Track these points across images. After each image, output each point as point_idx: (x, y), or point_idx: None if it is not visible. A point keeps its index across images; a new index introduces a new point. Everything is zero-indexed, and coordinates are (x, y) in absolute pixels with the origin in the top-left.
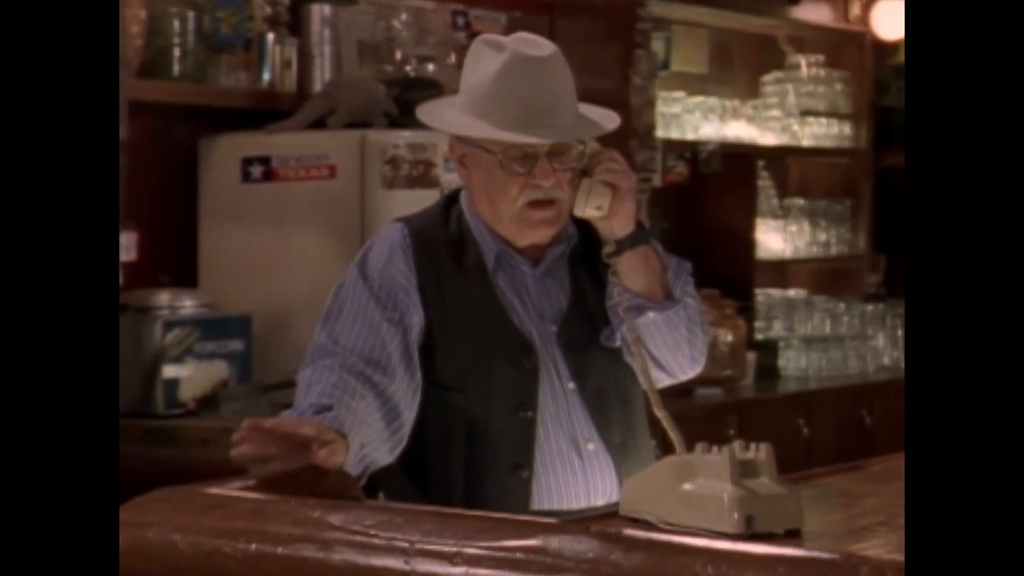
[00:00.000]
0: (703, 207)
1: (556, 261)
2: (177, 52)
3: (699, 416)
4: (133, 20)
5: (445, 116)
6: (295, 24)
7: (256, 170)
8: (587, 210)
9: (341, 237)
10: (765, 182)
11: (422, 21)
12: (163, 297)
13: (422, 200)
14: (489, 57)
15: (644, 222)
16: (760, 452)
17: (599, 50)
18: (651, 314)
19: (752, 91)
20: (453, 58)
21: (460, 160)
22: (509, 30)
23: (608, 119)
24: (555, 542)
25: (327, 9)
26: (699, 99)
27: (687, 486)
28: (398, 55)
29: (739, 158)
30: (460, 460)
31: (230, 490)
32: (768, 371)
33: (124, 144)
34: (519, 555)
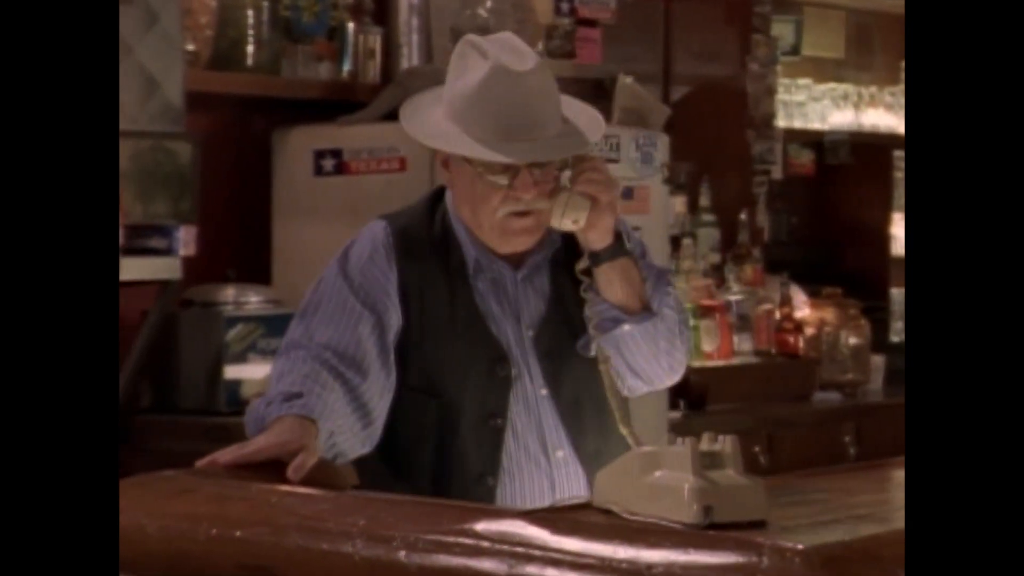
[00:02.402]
0: (833, 200)
1: (538, 266)
2: (251, 43)
3: (813, 421)
4: (202, 11)
5: (427, 121)
6: (380, 12)
7: (328, 163)
8: (563, 222)
9: None
10: (904, 173)
11: (522, 7)
12: (228, 293)
13: None
14: (473, 63)
15: (624, 233)
16: (726, 444)
17: (715, 36)
18: (627, 326)
19: (893, 77)
20: (541, 45)
21: (444, 163)
22: (619, 16)
23: (595, 128)
24: (484, 525)
25: None
26: (828, 86)
27: (651, 477)
28: None
29: (874, 148)
30: (428, 465)
31: (197, 477)
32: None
33: (196, 138)
34: (450, 538)
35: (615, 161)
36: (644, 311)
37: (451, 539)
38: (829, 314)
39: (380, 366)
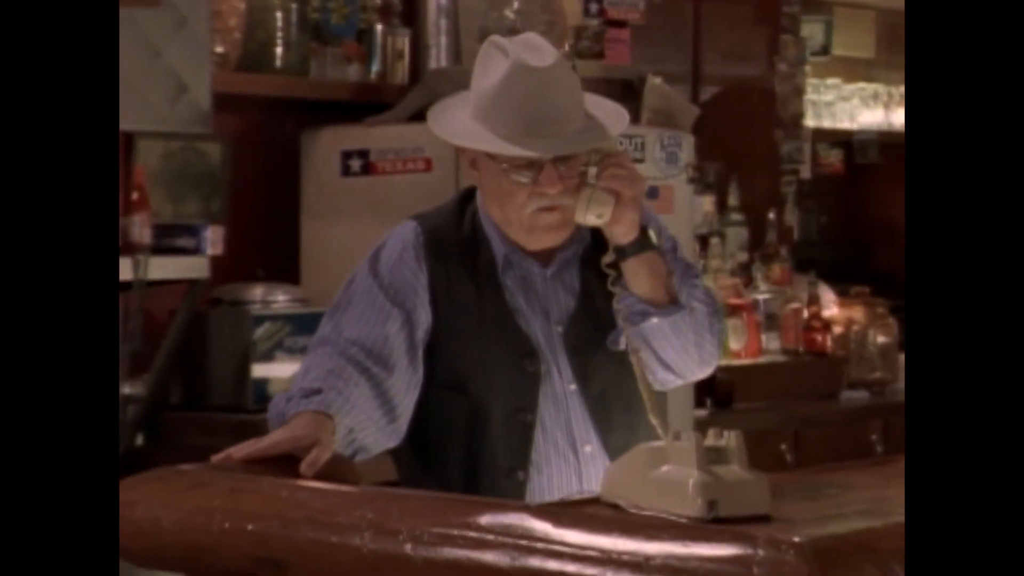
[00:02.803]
0: (862, 200)
1: (567, 262)
2: (280, 45)
3: (841, 420)
4: (231, 14)
5: (453, 121)
6: (409, 14)
7: (355, 163)
8: (588, 217)
9: None
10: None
11: (549, 8)
12: (256, 292)
13: None
14: (495, 61)
15: (651, 228)
16: (730, 440)
17: (745, 36)
18: (655, 319)
19: None
20: (567, 47)
21: (472, 163)
22: (648, 17)
23: (616, 120)
24: (488, 519)
25: None
26: (858, 86)
27: (657, 472)
28: None
29: (904, 148)
30: (458, 460)
31: (212, 471)
32: None
33: (226, 139)
34: (455, 531)
35: (640, 161)
36: (672, 304)
37: (455, 532)
38: (857, 313)
39: (407, 363)
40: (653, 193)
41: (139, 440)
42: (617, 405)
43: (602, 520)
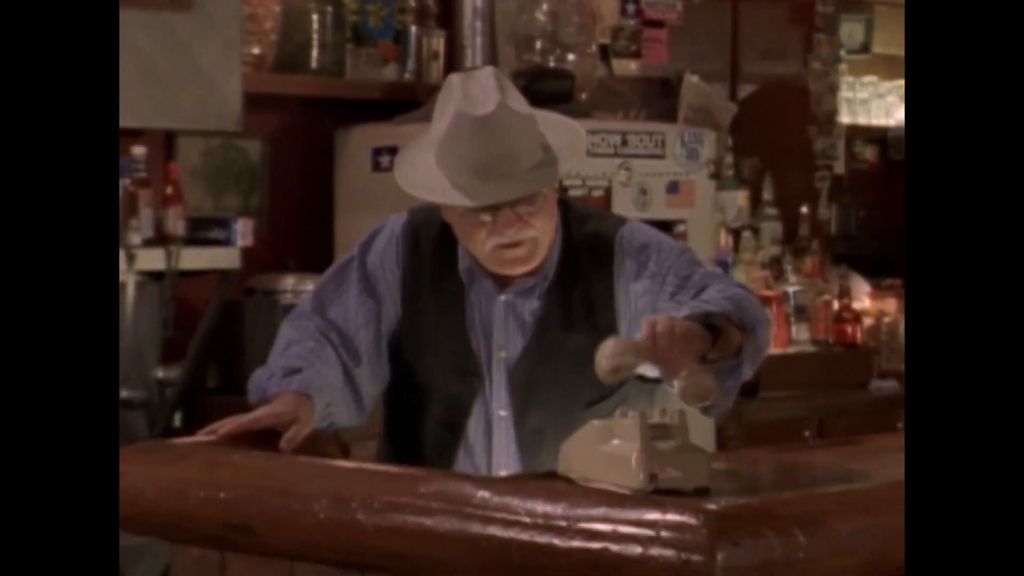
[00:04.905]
0: (899, 195)
1: (525, 292)
2: (315, 46)
3: (867, 409)
4: (267, 16)
5: (415, 169)
6: (445, 16)
7: (385, 160)
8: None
9: None
10: None
11: (581, 9)
12: (287, 281)
13: None
14: (448, 104)
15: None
16: (674, 417)
17: (780, 35)
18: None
19: None
20: (594, 47)
21: None
22: (686, 17)
23: (571, 149)
24: (434, 488)
25: (479, 1)
26: (895, 83)
27: (605, 447)
28: (538, 45)
29: None
30: (405, 453)
31: (193, 444)
32: None
33: (265, 136)
34: (403, 499)
35: (661, 157)
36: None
37: (403, 500)
38: (889, 304)
39: (376, 355)
40: (673, 188)
41: (177, 422)
42: (551, 440)
43: (533, 488)
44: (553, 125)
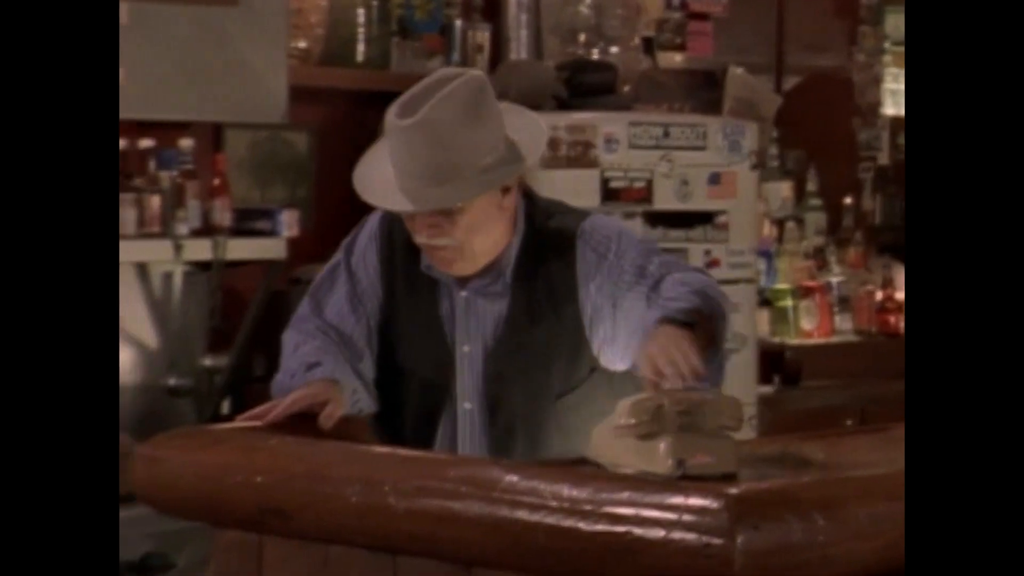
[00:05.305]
0: None
1: (484, 287)
2: (361, 40)
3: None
4: (313, 11)
5: (372, 168)
6: (491, 9)
7: None
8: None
9: None
10: None
11: (625, 2)
12: None
13: (581, 180)
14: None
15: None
16: (703, 406)
17: (825, 27)
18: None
19: None
20: (638, 40)
21: None
22: (731, 10)
23: (534, 147)
24: (462, 472)
25: None
26: None
27: None
28: (582, 38)
29: None
30: (385, 442)
31: (230, 429)
32: None
33: (312, 128)
34: (432, 484)
35: (702, 149)
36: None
37: (434, 484)
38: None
39: (370, 350)
40: (715, 179)
41: (225, 409)
42: (522, 436)
43: (560, 474)
44: (516, 121)
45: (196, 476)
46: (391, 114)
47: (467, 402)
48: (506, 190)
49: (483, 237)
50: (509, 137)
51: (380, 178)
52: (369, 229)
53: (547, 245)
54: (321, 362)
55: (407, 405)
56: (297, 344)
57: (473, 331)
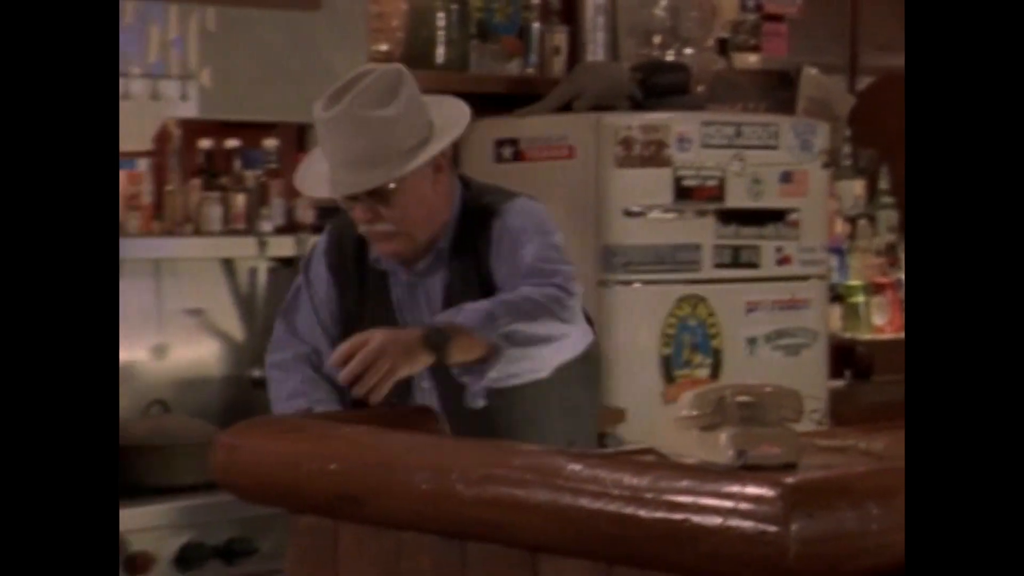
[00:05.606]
0: None
1: (427, 268)
2: (441, 42)
3: None
4: (394, 14)
5: (310, 166)
6: (569, 12)
7: (507, 151)
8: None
9: (579, 213)
10: None
11: (699, 4)
12: None
13: (653, 178)
14: None
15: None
16: (764, 398)
17: (899, 28)
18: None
19: None
20: (713, 41)
21: None
22: (806, 11)
23: (444, 131)
24: (527, 461)
25: None
26: None
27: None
28: (657, 39)
29: None
30: None
31: (305, 418)
32: None
33: None
34: (499, 471)
35: (774, 148)
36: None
37: (500, 472)
38: None
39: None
40: (786, 178)
41: None
42: (477, 414)
43: (622, 463)
44: (441, 113)
45: (273, 463)
46: (318, 108)
47: (424, 381)
48: (437, 169)
49: (420, 217)
50: (432, 121)
51: (315, 172)
52: (320, 246)
53: (475, 222)
54: (311, 408)
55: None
56: (292, 393)
57: (419, 312)
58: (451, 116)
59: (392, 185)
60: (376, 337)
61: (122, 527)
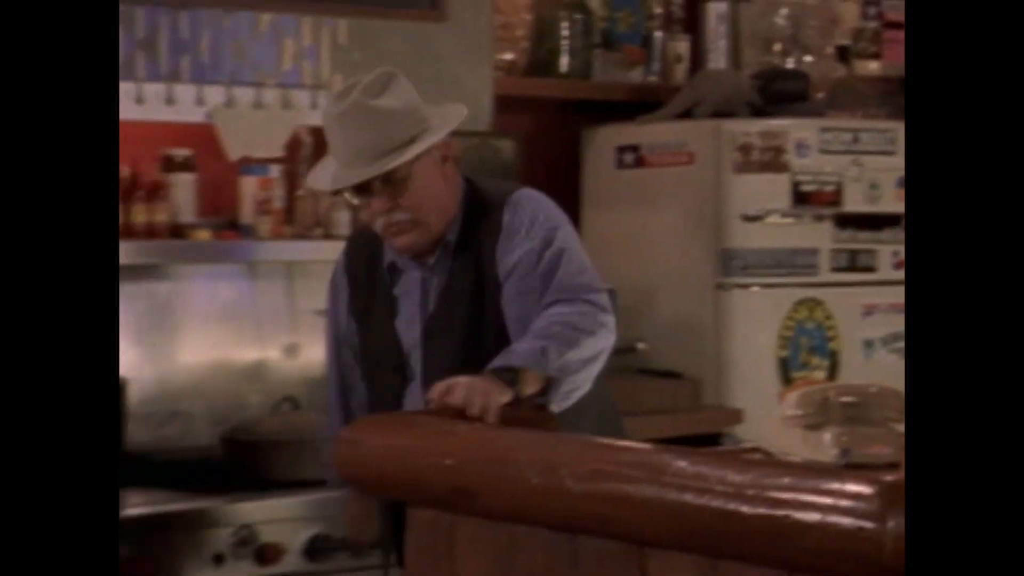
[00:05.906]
0: None
1: (436, 262)
2: (565, 52)
3: None
4: (519, 25)
5: (323, 167)
6: (691, 21)
7: (628, 157)
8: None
9: (698, 218)
10: None
11: (818, 13)
12: None
13: (772, 184)
14: None
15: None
16: (867, 398)
17: None
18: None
19: None
20: (832, 48)
21: None
22: None
23: (440, 126)
24: (634, 457)
25: (723, 6)
26: None
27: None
28: (777, 47)
29: None
30: None
31: (422, 415)
32: None
33: (518, 136)
34: (607, 467)
35: (892, 154)
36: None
37: (608, 468)
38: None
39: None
40: (903, 182)
41: None
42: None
43: (726, 460)
44: (439, 108)
45: (392, 458)
46: (328, 107)
47: (414, 379)
48: (445, 159)
49: (434, 206)
50: (429, 117)
51: (327, 171)
52: (334, 272)
53: (480, 213)
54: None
55: (375, 388)
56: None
57: (427, 309)
58: (448, 112)
59: (404, 174)
60: (460, 382)
61: (252, 519)
